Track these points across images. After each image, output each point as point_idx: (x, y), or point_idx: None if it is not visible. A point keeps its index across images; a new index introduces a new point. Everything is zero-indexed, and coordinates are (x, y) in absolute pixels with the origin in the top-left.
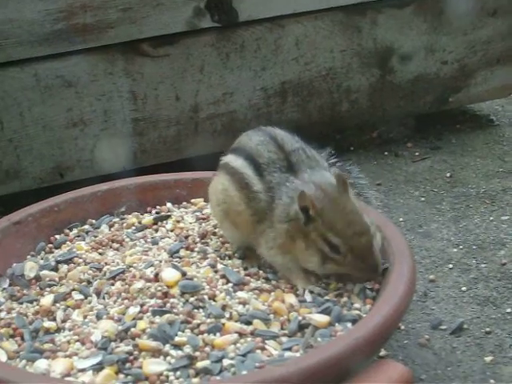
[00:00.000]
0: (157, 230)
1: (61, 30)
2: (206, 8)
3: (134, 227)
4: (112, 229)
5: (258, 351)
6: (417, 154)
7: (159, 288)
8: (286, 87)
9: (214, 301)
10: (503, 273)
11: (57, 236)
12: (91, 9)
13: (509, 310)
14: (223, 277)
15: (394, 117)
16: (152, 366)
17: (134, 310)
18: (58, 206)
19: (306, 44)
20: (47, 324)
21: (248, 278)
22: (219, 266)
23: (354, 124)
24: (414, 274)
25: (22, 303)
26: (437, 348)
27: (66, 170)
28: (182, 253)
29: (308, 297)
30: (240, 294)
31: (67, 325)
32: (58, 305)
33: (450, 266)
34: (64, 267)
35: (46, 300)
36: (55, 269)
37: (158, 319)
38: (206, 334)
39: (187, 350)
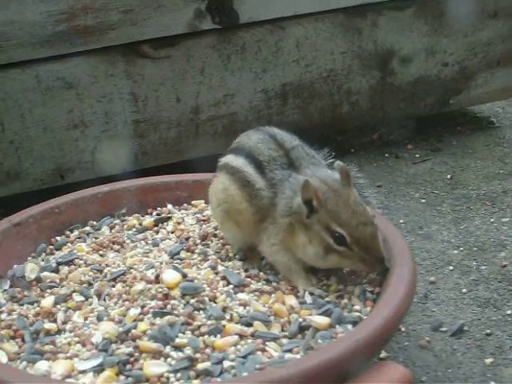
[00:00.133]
0: (157, 232)
1: (62, 31)
2: (206, 10)
3: (134, 229)
4: (113, 230)
5: (259, 353)
6: (417, 155)
7: (160, 290)
8: (286, 89)
9: (215, 302)
10: (504, 275)
11: (57, 237)
12: (92, 10)
13: (509, 312)
14: (224, 278)
15: (394, 119)
16: (152, 367)
17: (134, 312)
18: (59, 207)
19: (306, 46)
20: (48, 325)
21: (248, 279)
22: (220, 268)
23: (354, 126)
24: (415, 275)
25: (22, 305)
26: (437, 350)
27: (67, 172)
28: (183, 254)
29: (308, 298)
30: (240, 295)
31: (68, 326)
32: (58, 306)
33: (451, 267)
34: (65, 269)
35: (47, 301)
36: (56, 270)
37: (158, 321)
38: (206, 336)
39: (188, 351)
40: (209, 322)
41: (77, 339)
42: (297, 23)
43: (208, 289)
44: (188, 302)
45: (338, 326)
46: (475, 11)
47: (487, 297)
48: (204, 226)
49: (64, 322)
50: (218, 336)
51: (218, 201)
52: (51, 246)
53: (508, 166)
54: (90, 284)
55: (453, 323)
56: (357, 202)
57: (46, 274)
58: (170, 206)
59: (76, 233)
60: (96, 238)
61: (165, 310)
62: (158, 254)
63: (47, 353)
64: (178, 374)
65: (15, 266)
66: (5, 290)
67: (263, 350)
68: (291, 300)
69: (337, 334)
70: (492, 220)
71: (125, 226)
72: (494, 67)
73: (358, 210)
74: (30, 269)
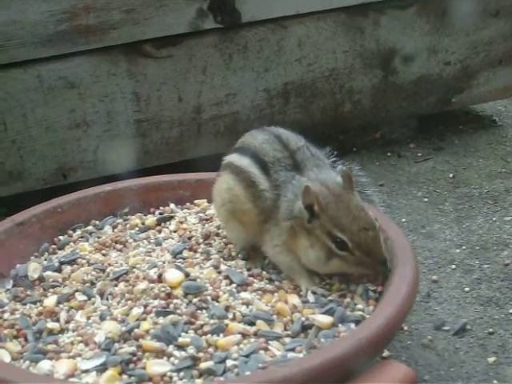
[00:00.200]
0: (160, 231)
1: (64, 31)
2: (208, 9)
3: (137, 228)
4: (115, 230)
5: (262, 352)
6: (419, 154)
7: (162, 289)
8: (288, 88)
9: (218, 302)
10: (506, 273)
11: (60, 237)
12: (94, 10)
13: None
14: (226, 277)
15: (396, 117)
16: (155, 366)
17: (137, 311)
18: (62, 206)
19: (308, 45)
20: (51, 325)
21: (251, 278)
22: (222, 267)
23: (356, 125)
24: (417, 274)
25: (25, 304)
26: (440, 349)
27: (69, 171)
28: (186, 254)
29: (311, 297)
30: (243, 294)
31: (71, 326)
32: (61, 306)
33: (453, 266)
34: (67, 268)
35: (50, 301)
36: (59, 270)
37: (161, 320)
38: (209, 335)
39: (191, 350)
40: (211, 321)
41: (80, 338)
42: (299, 22)
43: (211, 288)
44: (191, 301)
45: (340, 325)
46: (477, 10)
47: (490, 295)
48: (207, 225)
49: (67, 322)
50: (221, 335)
51: (223, 200)
52: (54, 246)
53: (510, 165)
54: (93, 283)
55: (455, 322)
56: (358, 207)
57: (48, 273)
58: (172, 206)
59: (79, 232)
60: (98, 238)
61: (168, 309)
62: (161, 253)
63: (50, 352)
64: (181, 373)
65: (18, 265)
66: (8, 290)
67: (266, 349)
68: (294, 299)
69: (339, 333)
70: (494, 219)
71: (127, 226)
72: (495, 66)
73: (359, 215)
74: (33, 268)
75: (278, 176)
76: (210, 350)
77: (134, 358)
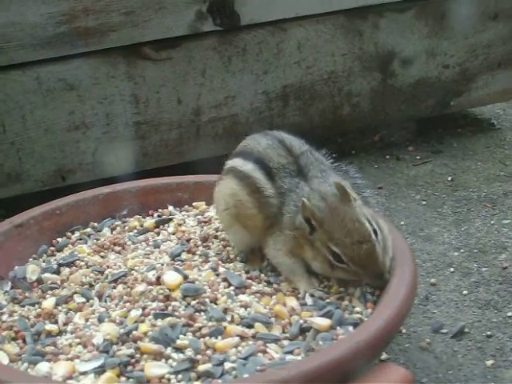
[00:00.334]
0: (158, 234)
1: (63, 33)
2: (208, 12)
3: (135, 230)
4: (114, 232)
5: (260, 354)
6: (418, 157)
7: (161, 291)
8: (287, 91)
9: (216, 304)
10: (504, 276)
11: (59, 239)
12: (93, 12)
13: (510, 314)
14: (225, 280)
15: (395, 120)
16: (154, 369)
17: (135, 313)
18: (60, 209)
19: (307, 48)
20: (49, 327)
21: (249, 281)
22: (221, 270)
23: (355, 128)
24: (416, 277)
25: (23, 306)
26: (438, 352)
27: (68, 173)
28: (184, 256)
29: (309, 300)
30: (241, 297)
31: (69, 328)
32: (59, 308)
33: (451, 269)
34: (66, 270)
35: (48, 303)
36: (57, 272)
37: (159, 322)
38: (207, 337)
39: (189, 353)
40: (210, 324)
41: (78, 340)
42: (298, 25)
43: (209, 290)
44: (189, 304)
45: (338, 328)
46: (476, 13)
47: (488, 299)
48: (205, 227)
49: (65, 324)
50: (219, 337)
51: (226, 205)
52: (52, 248)
53: (509, 168)
54: (91, 285)
55: (453, 325)
56: (353, 219)
57: (47, 275)
58: (171, 208)
59: (77, 234)
60: (97, 240)
61: (166, 312)
62: (159, 255)
63: (48, 354)
64: (179, 376)
65: (16, 267)
66: (6, 292)
67: (264, 352)
68: (292, 302)
69: (337, 336)
70: (493, 222)
71: (126, 228)
72: (494, 69)
73: (353, 228)
74: (31, 270)
75: (283, 183)
76: (208, 352)
77: (133, 360)
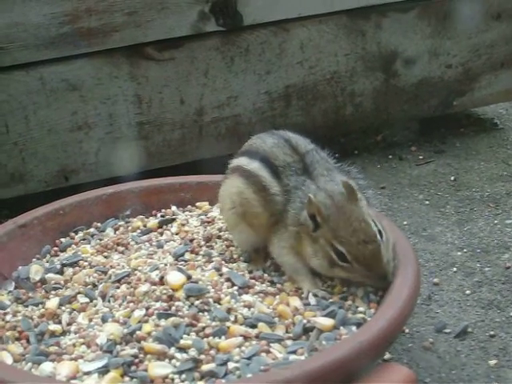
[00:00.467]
0: (162, 234)
1: (66, 33)
2: (210, 12)
3: (139, 230)
4: (117, 232)
5: (263, 354)
6: (421, 157)
7: (164, 291)
8: (290, 91)
9: (219, 304)
10: (507, 276)
11: (62, 239)
12: (96, 12)
13: None
14: (228, 280)
15: (398, 120)
16: (157, 368)
17: (139, 313)
18: (64, 209)
19: (310, 48)
20: (53, 327)
21: (253, 281)
22: (224, 270)
23: (358, 127)
24: (419, 277)
25: (27, 306)
26: (441, 351)
27: (71, 174)
28: (187, 256)
29: (312, 300)
30: (245, 297)
31: (72, 328)
32: (63, 308)
33: (454, 269)
34: (69, 270)
35: (52, 303)
36: (60, 272)
37: (163, 322)
38: (211, 337)
39: (192, 353)
40: (213, 324)
41: (81, 340)
42: (301, 25)
43: (212, 290)
44: (192, 304)
45: (342, 328)
46: (479, 13)
47: (491, 298)
48: (208, 227)
49: (69, 324)
50: (223, 337)
51: (233, 204)
52: (56, 248)
53: (511, 168)
54: (95, 285)
55: (456, 325)
56: (360, 219)
57: (50, 275)
58: (174, 208)
59: (80, 234)
60: (100, 240)
61: (169, 312)
62: (163, 255)
63: (52, 354)
64: (183, 376)
65: (20, 267)
66: (10, 292)
67: (268, 352)
68: (295, 301)
69: (341, 336)
70: (496, 222)
71: (129, 228)
72: (497, 69)
73: (359, 227)
74: (35, 270)
75: (289, 181)
76: (212, 352)
77: (136, 360)
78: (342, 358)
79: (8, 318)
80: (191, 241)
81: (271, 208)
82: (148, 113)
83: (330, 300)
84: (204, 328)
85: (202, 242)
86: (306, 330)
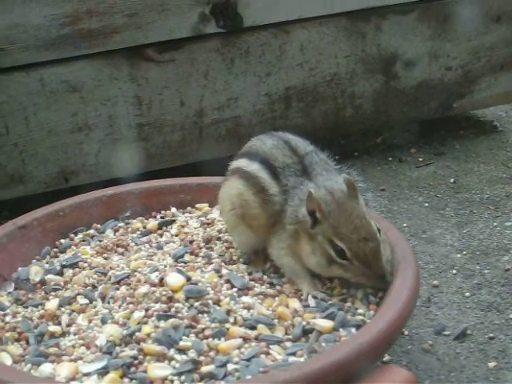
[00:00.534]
0: (161, 235)
1: (66, 35)
2: (211, 13)
3: (138, 232)
4: (117, 233)
5: (263, 356)
6: (421, 159)
7: (164, 293)
8: (290, 93)
9: (219, 305)
10: (507, 278)
11: (62, 240)
12: (97, 14)
13: None
14: (228, 282)
15: (397, 122)
16: (157, 370)
17: (138, 315)
18: (63, 210)
19: (310, 50)
20: (52, 328)
21: (252, 282)
22: (224, 271)
23: (358, 129)
24: (418, 279)
25: (27, 307)
26: (440, 353)
27: (71, 175)
28: (187, 258)
29: (312, 302)
30: (244, 298)
31: (72, 329)
32: (63, 309)
33: (454, 271)
34: (69, 271)
35: (51, 304)
36: (60, 273)
37: (162, 324)
38: (210, 339)
39: (192, 354)
40: (213, 325)
41: (81, 342)
42: (301, 27)
43: (212, 292)
44: (192, 305)
45: (341, 330)
46: (479, 15)
47: (490, 301)
48: (208, 229)
49: (68, 325)
50: (222, 339)
51: (232, 205)
52: (55, 249)
53: (511, 170)
54: (95, 287)
55: (456, 327)
56: (360, 216)
57: (50, 276)
58: (174, 210)
59: (80, 236)
60: (100, 241)
61: (169, 313)
62: (162, 257)
63: (51, 355)
64: (182, 377)
65: (20, 268)
66: (9, 293)
67: (267, 353)
68: (295, 303)
69: (340, 338)
70: (495, 224)
71: (129, 229)
72: (497, 71)
73: (360, 225)
74: (35, 271)
75: (287, 181)
76: (211, 353)
77: (136, 362)
78: (341, 359)
79: (8, 319)
80: (191, 242)
81: (270, 209)
82: (148, 114)
83: (330, 302)
84: (203, 329)
85: (202, 244)
86: (306, 332)
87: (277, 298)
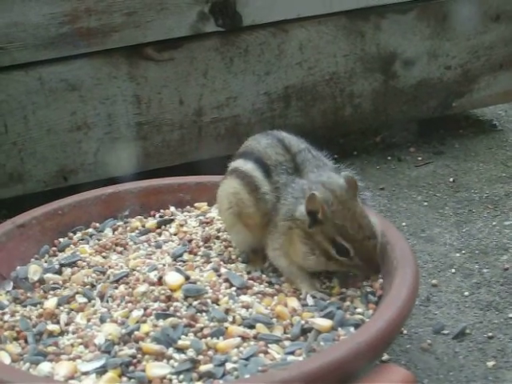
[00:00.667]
0: (160, 234)
1: (65, 33)
2: (210, 12)
3: (137, 231)
4: (116, 232)
5: (261, 355)
6: (420, 158)
7: (163, 291)
8: (289, 92)
9: (217, 304)
10: (506, 278)
11: (60, 239)
12: (96, 13)
13: (511, 315)
14: (226, 281)
15: (397, 121)
16: (155, 369)
17: (137, 314)
18: (62, 209)
19: (309, 49)
20: (51, 327)
21: (251, 281)
22: (222, 270)
23: (357, 128)
24: (417, 278)
25: (25, 306)
26: (439, 353)
27: (70, 174)
28: (186, 256)
29: (310, 301)
30: (243, 297)
31: (71, 328)
32: (61, 308)
33: (453, 270)
34: (68, 270)
35: (50, 303)
36: (59, 272)
37: (161, 323)
38: (209, 338)
39: (190, 353)
40: (211, 324)
41: (80, 341)
42: (300, 26)
43: (211, 291)
44: (191, 304)
45: (340, 329)
46: (478, 14)
47: (489, 300)
48: (207, 228)
49: (67, 324)
50: (221, 338)
51: (229, 204)
52: (54, 248)
53: (510, 169)
54: (93, 286)
55: (455, 326)
56: (362, 215)
57: (48, 275)
58: (172, 208)
59: (79, 234)
60: (99, 240)
61: (167, 312)
62: (161, 255)
63: (50, 354)
64: (181, 376)
65: (18, 267)
66: (8, 292)
67: (266, 352)
68: (293, 302)
69: (339, 337)
70: (494, 223)
71: (128, 228)
72: (496, 70)
73: (363, 224)
74: (33, 270)
75: (279, 178)
76: (210, 352)
77: (134, 361)
78: (339, 358)
79: (6, 317)
80: (190, 241)
81: (263, 207)
82: (147, 113)
83: (328, 301)
84: (202, 328)
85: (201, 243)
86: (304, 331)
87: (275, 297)
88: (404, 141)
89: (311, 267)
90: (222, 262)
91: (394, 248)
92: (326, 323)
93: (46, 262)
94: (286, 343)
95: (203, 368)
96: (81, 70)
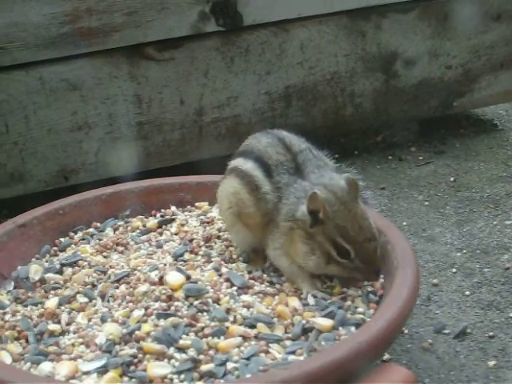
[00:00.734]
0: (161, 234)
1: (66, 33)
2: (210, 12)
3: (138, 230)
4: (117, 232)
5: (262, 355)
6: (421, 158)
7: (164, 291)
8: (290, 91)
9: (218, 304)
10: (507, 277)
11: (61, 239)
12: (96, 12)
13: None
14: (227, 280)
15: (398, 121)
16: (156, 368)
17: (138, 313)
18: (63, 209)
19: (310, 48)
20: (52, 327)
21: (252, 281)
22: (223, 270)
23: (358, 128)
24: (418, 278)
25: (26, 306)
26: (440, 352)
27: (71, 173)
28: (187, 256)
29: (311, 300)
30: (244, 297)
31: (72, 328)
32: (62, 308)
33: (454, 270)
34: (69, 270)
35: (51, 303)
36: (60, 272)
37: (162, 322)
38: (210, 338)
39: (191, 353)
40: (212, 324)
41: (81, 340)
42: (301, 25)
43: (212, 290)
44: (192, 304)
45: (341, 328)
46: (479, 14)
47: (490, 299)
48: (208, 227)
49: (68, 324)
50: (222, 338)
51: (229, 204)
52: (55, 248)
53: (511, 169)
54: (94, 285)
55: (456, 326)
56: (363, 217)
57: (49, 275)
58: (173, 208)
59: (80, 234)
60: (100, 240)
61: (168, 312)
62: (162, 255)
63: (51, 354)
64: (182, 376)
65: (19, 267)
66: (9, 291)
67: (266, 352)
68: (294, 302)
69: (340, 336)
70: (495, 223)
71: (128, 228)
72: (497, 70)
73: (364, 225)
74: (34, 270)
75: (280, 178)
76: (211, 352)
77: (135, 360)
78: (340, 358)
79: (7, 317)
80: (190, 241)
81: (263, 207)
82: (148, 113)
83: (329, 300)
84: (203, 328)
85: (202, 242)
86: (305, 331)
87: (276, 297)
88: (405, 140)
89: (311, 269)
90: (222, 262)
91: (395, 247)
92: (326, 323)
93: (46, 261)
94: (287, 343)
95: (204, 368)
96: (82, 69)
